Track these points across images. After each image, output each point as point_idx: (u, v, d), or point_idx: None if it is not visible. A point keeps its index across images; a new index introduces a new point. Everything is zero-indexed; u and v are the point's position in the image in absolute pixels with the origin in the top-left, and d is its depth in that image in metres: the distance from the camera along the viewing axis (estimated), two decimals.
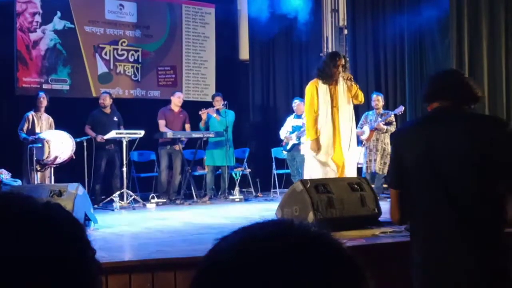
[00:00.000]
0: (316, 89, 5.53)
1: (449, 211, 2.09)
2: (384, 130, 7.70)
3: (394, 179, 2.31)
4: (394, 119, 7.89)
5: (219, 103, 8.12)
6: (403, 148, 2.24)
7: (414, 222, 2.25)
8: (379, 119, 7.74)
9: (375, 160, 7.64)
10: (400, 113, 7.97)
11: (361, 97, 5.68)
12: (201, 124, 8.15)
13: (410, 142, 2.22)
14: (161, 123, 7.93)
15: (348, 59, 5.69)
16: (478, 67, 7.19)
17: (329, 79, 5.51)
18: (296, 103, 8.37)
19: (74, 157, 6.96)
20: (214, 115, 8.05)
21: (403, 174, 2.22)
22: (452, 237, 2.09)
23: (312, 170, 5.58)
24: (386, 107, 8.34)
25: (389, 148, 7.75)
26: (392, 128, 7.84)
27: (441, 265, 2.10)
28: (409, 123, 2.43)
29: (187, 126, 8.15)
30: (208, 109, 8.06)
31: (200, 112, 8.06)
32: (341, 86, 5.57)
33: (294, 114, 8.41)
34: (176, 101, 8.07)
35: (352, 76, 5.66)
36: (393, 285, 2.98)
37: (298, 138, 8.18)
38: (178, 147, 7.81)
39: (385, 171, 7.69)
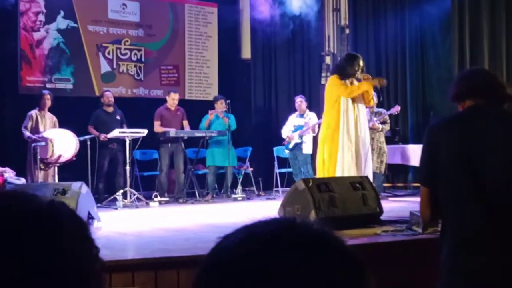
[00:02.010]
0: (341, 80, 5.74)
1: (482, 209, 2.05)
2: (379, 129, 7.70)
3: (426, 176, 2.23)
4: (388, 118, 7.88)
5: (222, 106, 8.08)
6: (438, 144, 2.17)
7: (445, 219, 2.19)
8: (374, 118, 7.71)
9: (371, 159, 7.63)
10: (396, 112, 7.94)
11: (372, 102, 5.97)
12: (205, 124, 8.14)
13: (445, 138, 2.17)
14: (156, 123, 7.92)
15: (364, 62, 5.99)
16: (479, 65, 7.17)
17: (347, 78, 5.76)
18: (298, 101, 8.36)
19: (75, 158, 6.97)
20: (222, 116, 8.03)
21: (435, 171, 2.16)
22: (484, 235, 2.03)
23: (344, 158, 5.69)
24: (387, 106, 8.32)
25: (385, 146, 7.75)
26: (387, 127, 7.84)
27: (472, 264, 2.03)
28: (444, 119, 2.35)
29: (185, 123, 8.12)
30: (217, 110, 8.06)
31: (210, 111, 8.06)
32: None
33: (296, 112, 8.39)
34: (171, 102, 8.04)
35: (370, 77, 5.85)
36: (395, 283, 2.98)
37: (300, 137, 8.18)
38: (181, 145, 7.82)
39: (382, 169, 7.69)
